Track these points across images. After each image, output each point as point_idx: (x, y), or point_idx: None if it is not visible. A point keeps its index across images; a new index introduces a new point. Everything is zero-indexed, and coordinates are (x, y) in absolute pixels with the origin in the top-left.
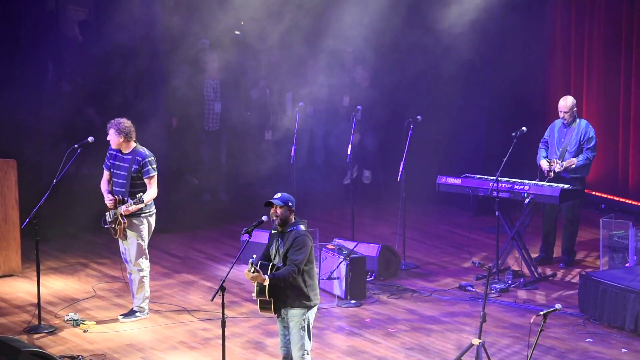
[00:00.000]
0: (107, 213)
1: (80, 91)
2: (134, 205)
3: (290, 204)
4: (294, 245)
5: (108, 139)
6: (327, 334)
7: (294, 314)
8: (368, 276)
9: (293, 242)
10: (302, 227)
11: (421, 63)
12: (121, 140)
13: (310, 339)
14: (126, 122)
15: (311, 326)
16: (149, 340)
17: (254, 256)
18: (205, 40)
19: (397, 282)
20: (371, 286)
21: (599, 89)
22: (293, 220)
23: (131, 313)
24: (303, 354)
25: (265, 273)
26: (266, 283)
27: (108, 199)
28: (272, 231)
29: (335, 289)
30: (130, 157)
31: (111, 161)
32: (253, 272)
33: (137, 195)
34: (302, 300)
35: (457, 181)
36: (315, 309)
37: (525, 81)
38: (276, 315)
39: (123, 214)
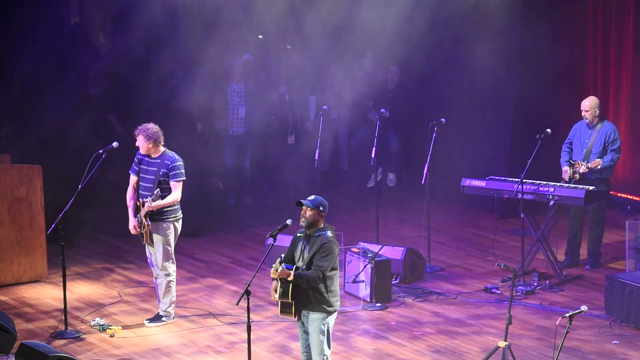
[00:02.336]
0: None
1: (104, 97)
2: (154, 203)
3: (321, 208)
4: (321, 251)
5: (137, 144)
6: (353, 337)
7: (314, 319)
8: (393, 279)
9: (320, 248)
10: (330, 233)
11: (445, 65)
12: (150, 145)
13: (330, 345)
14: (154, 127)
15: (331, 331)
16: (175, 344)
17: (282, 255)
18: (249, 56)
19: (422, 285)
20: (396, 289)
21: (627, 91)
22: (322, 225)
23: (157, 317)
24: (323, 359)
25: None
26: (290, 278)
27: (132, 226)
28: (298, 234)
29: (361, 292)
30: (159, 161)
31: (140, 166)
32: (279, 268)
33: (155, 191)
34: (323, 305)
35: (482, 183)
36: (335, 314)
37: (551, 82)
38: (296, 319)
39: (146, 211)
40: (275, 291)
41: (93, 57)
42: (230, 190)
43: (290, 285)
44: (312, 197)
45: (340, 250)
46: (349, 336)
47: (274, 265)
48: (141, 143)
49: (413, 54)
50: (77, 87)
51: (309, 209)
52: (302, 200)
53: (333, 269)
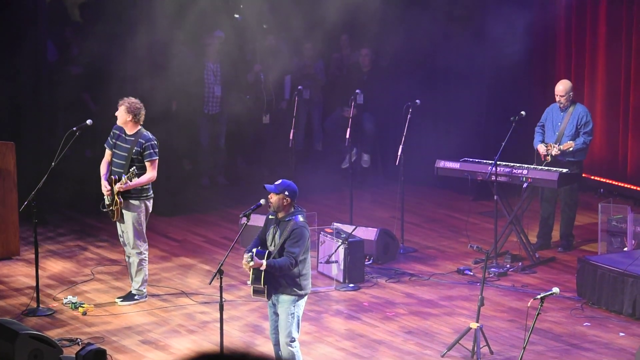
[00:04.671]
0: (105, 196)
1: (79, 75)
2: (129, 182)
3: (286, 193)
4: (292, 237)
5: (117, 113)
6: (325, 317)
7: (284, 300)
8: (366, 260)
9: (291, 233)
10: (301, 217)
11: (420, 45)
12: (129, 119)
13: (298, 328)
14: (138, 103)
15: (300, 315)
16: (147, 323)
17: (254, 251)
18: (220, 33)
19: (395, 266)
20: (369, 270)
21: (601, 74)
22: (292, 209)
23: (129, 296)
24: (289, 341)
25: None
26: (263, 267)
27: (105, 187)
28: (270, 216)
29: (334, 273)
30: (133, 138)
31: (114, 140)
32: (251, 261)
33: (131, 169)
34: (294, 288)
35: (456, 165)
36: (305, 298)
37: (525, 65)
38: (268, 300)
39: (118, 190)
40: (250, 276)
41: (75, 34)
42: (204, 169)
43: (263, 272)
44: (278, 181)
45: (314, 230)
46: (322, 316)
47: (245, 256)
48: (121, 114)
49: (387, 35)
50: (59, 64)
51: (273, 194)
52: (267, 186)
53: (304, 251)
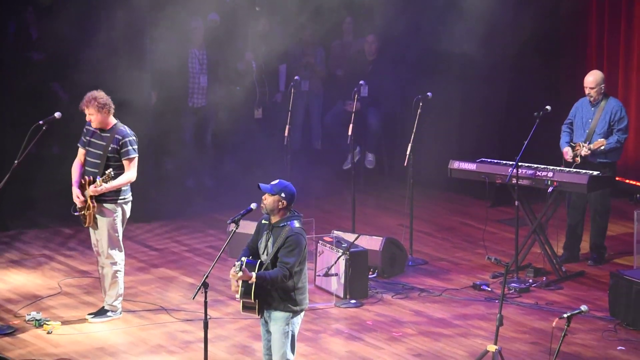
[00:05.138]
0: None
1: (46, 63)
2: (104, 185)
3: (283, 195)
4: (286, 246)
5: (88, 118)
6: (324, 337)
7: (277, 317)
8: (370, 273)
9: (285, 241)
10: (297, 223)
11: (433, 34)
12: (104, 116)
13: (294, 349)
14: (104, 95)
15: (296, 334)
16: (121, 343)
17: (243, 259)
18: (216, 16)
19: (403, 280)
20: (374, 284)
21: (636, 63)
22: (287, 214)
23: (102, 312)
24: None
25: (251, 271)
26: (252, 281)
27: (75, 194)
28: (262, 221)
29: (333, 287)
30: (108, 134)
31: (87, 138)
32: (239, 272)
33: (107, 171)
34: (288, 303)
35: (472, 166)
36: (302, 314)
37: (551, 53)
38: (259, 316)
39: (92, 194)
40: (237, 288)
41: (37, 17)
42: (188, 169)
43: (253, 285)
44: (275, 181)
45: (311, 239)
46: (320, 336)
47: (233, 267)
48: (94, 116)
49: (396, 20)
50: (17, 50)
51: (268, 194)
52: (261, 185)
53: (300, 262)
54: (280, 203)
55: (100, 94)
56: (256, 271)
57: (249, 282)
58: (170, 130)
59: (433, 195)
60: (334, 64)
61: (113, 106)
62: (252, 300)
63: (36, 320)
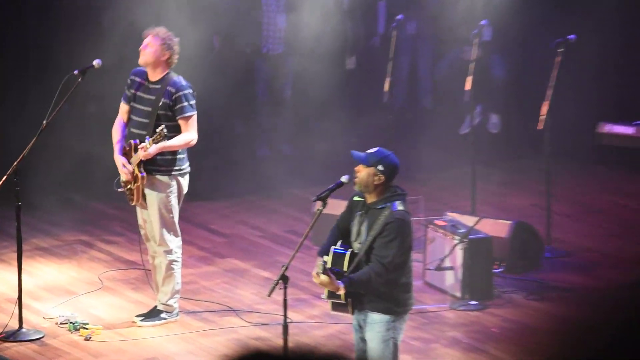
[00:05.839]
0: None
1: None
2: (155, 146)
3: (380, 167)
4: (384, 235)
5: (142, 47)
6: (436, 348)
7: (374, 321)
8: (495, 266)
9: (383, 228)
10: (399, 205)
11: None
12: (164, 58)
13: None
14: (172, 35)
15: (399, 342)
16: (178, 352)
17: (326, 259)
18: None
19: (538, 276)
20: (500, 281)
21: None
22: (387, 193)
23: (154, 314)
24: None
25: (339, 267)
26: (341, 292)
27: (120, 164)
28: (355, 197)
29: (448, 284)
30: (159, 86)
31: (132, 90)
32: (323, 276)
33: (159, 129)
34: (389, 303)
35: (629, 130)
36: (406, 317)
37: None
38: (351, 314)
39: (141, 159)
40: (318, 276)
41: None
42: (262, 134)
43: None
44: (373, 149)
45: (419, 223)
46: (431, 347)
47: (314, 271)
48: (150, 51)
49: None
50: None
51: (362, 165)
52: (354, 153)
53: (403, 254)
54: (376, 177)
55: (173, 37)
56: (346, 264)
57: (337, 292)
58: (238, 83)
59: (576, 168)
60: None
61: (176, 57)
62: (343, 301)
63: (71, 323)
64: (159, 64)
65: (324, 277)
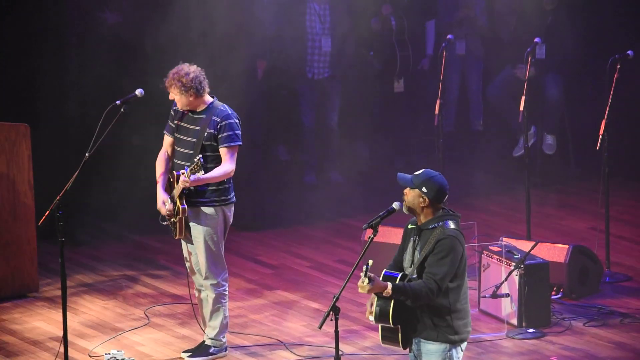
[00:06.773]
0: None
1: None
2: (192, 176)
3: (424, 189)
4: (436, 252)
5: (171, 97)
6: None
7: (430, 351)
8: (553, 293)
9: (435, 246)
10: (452, 224)
11: None
12: (191, 98)
13: None
14: (192, 70)
15: None
16: None
17: (370, 262)
18: None
19: (598, 302)
20: (558, 307)
21: None
22: (438, 213)
23: (202, 349)
24: None
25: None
26: (387, 292)
27: (160, 200)
28: (409, 225)
29: (504, 312)
30: (204, 116)
31: (176, 121)
32: (368, 281)
33: (196, 159)
34: (444, 331)
35: None
36: (463, 346)
37: None
38: (406, 351)
39: (181, 189)
40: (371, 309)
41: None
42: (308, 161)
43: (392, 302)
44: (420, 171)
45: (473, 249)
46: None
47: (360, 280)
48: (177, 97)
49: None
50: (83, 11)
51: (409, 188)
52: (400, 175)
53: (457, 276)
54: (421, 199)
55: (187, 70)
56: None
57: (384, 294)
58: (283, 109)
59: (636, 188)
60: (499, 18)
61: (206, 82)
62: (392, 325)
63: None
64: (195, 102)
65: (366, 280)
